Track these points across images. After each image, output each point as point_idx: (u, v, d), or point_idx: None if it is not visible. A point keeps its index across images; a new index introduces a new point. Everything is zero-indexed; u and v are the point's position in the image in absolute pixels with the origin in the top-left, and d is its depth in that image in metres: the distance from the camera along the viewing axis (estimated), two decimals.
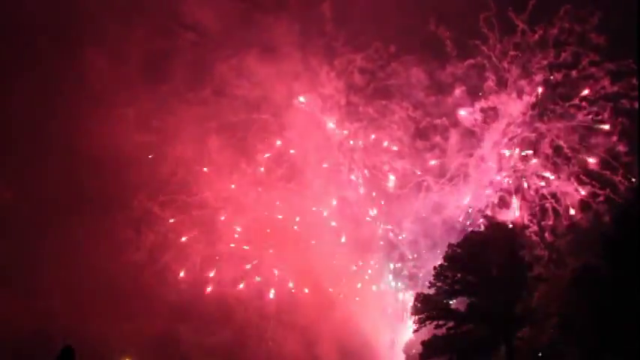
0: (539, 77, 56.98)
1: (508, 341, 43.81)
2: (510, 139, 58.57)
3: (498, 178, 59.17)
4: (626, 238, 40.76)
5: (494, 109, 58.59)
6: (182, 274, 59.34)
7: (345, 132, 62.34)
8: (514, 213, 57.07)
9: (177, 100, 59.61)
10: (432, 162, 60.18)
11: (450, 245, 47.18)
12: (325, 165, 62.36)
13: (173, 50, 59.82)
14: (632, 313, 38.20)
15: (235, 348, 56.47)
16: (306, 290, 60.42)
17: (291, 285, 60.78)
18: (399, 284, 61.32)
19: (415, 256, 60.77)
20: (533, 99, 57.45)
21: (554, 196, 56.41)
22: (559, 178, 56.45)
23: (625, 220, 42.21)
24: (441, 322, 45.13)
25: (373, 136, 61.68)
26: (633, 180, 52.71)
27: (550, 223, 55.54)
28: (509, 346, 43.73)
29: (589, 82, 55.40)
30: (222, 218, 61.17)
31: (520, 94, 57.71)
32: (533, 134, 57.85)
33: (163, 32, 59.27)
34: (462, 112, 59.15)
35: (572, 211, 55.37)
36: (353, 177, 62.64)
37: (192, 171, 60.77)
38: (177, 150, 59.66)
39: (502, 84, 58.23)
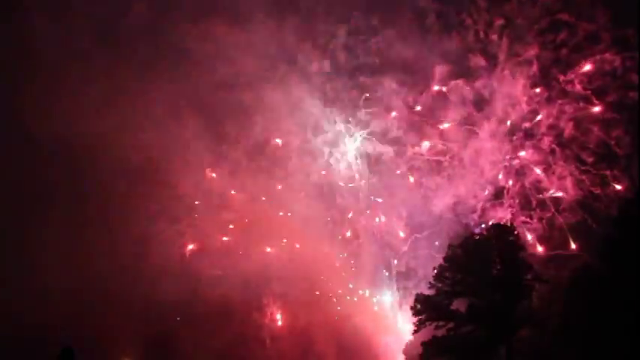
0: (532, 51, 55.49)
1: (508, 342, 43.62)
2: (505, 126, 57.51)
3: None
4: (626, 238, 40.86)
5: (486, 90, 57.20)
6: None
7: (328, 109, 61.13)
8: (508, 207, 56.67)
9: (141, 78, 57.13)
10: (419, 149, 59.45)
11: (450, 246, 47.17)
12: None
13: (133, 22, 57.06)
14: (632, 314, 38.15)
15: (234, 348, 56.07)
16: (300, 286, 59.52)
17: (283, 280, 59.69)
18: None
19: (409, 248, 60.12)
20: (527, 77, 56.07)
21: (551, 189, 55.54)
22: (556, 171, 55.49)
23: (625, 219, 42.29)
24: (441, 323, 44.96)
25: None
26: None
27: (548, 215, 55.03)
28: (509, 347, 43.54)
29: (588, 56, 53.96)
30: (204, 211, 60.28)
31: (513, 72, 56.33)
32: (531, 120, 56.68)
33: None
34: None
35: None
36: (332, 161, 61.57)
37: (167, 159, 58.72)
38: (148, 135, 57.40)
39: (493, 61, 56.76)
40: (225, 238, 60.54)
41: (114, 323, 54.09)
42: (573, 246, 51.41)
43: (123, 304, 55.52)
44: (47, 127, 53.64)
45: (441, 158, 58.70)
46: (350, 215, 61.62)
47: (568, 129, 54.72)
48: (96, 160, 56.34)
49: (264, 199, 61.04)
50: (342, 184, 61.59)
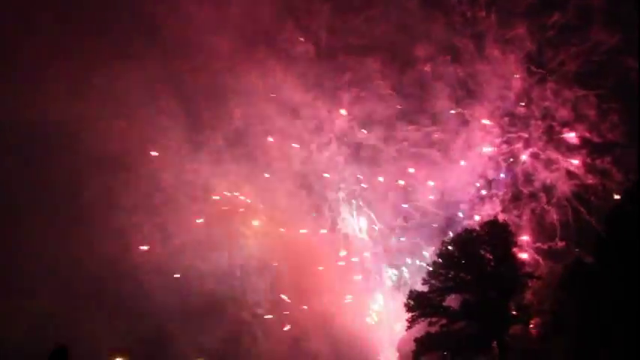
0: (522, 30, 54.45)
1: (500, 338, 43.80)
2: (495, 110, 56.60)
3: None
4: (619, 235, 40.74)
5: (475, 72, 56.22)
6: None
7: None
8: (497, 198, 56.21)
9: (112, 58, 54.39)
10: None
11: (443, 242, 47.10)
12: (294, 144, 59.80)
13: None
14: (622, 312, 38.37)
15: (228, 346, 55.95)
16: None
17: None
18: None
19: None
20: (517, 59, 55.03)
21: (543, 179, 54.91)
22: (548, 160, 54.90)
23: (618, 216, 42.08)
24: (434, 320, 45.06)
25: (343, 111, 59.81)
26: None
27: (540, 208, 54.55)
28: (501, 343, 43.74)
29: (581, 36, 52.77)
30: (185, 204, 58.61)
31: (504, 51, 55.25)
32: (521, 104, 55.75)
33: None
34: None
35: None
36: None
37: (145, 149, 56.89)
38: (123, 122, 55.21)
39: (481, 41, 55.78)
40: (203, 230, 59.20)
41: (103, 321, 53.19)
42: (564, 241, 51.24)
43: (109, 300, 54.67)
44: (11, 113, 50.93)
45: (427, 150, 57.81)
46: (334, 203, 61.16)
47: (561, 114, 53.90)
48: (68, 149, 53.94)
49: (240, 195, 59.77)
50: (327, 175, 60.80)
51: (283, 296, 58.14)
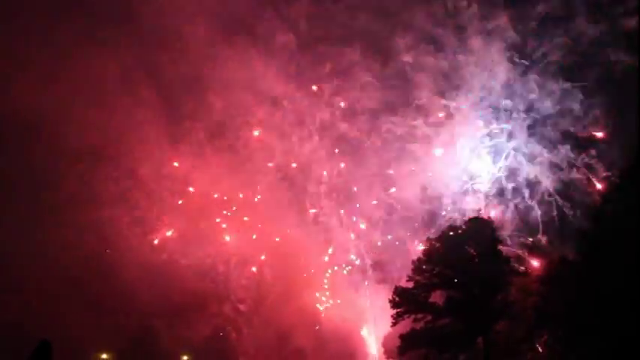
0: (503, 20, 53.80)
1: (485, 334, 43.93)
2: (477, 103, 56.06)
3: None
4: (602, 233, 40.83)
5: (457, 64, 55.54)
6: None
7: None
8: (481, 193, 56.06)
9: (86, 42, 53.03)
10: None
11: (428, 239, 47.07)
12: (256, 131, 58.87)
13: None
14: (606, 308, 38.60)
15: (213, 342, 55.50)
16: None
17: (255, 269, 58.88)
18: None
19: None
20: (499, 49, 54.31)
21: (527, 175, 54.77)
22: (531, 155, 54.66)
23: (602, 214, 42.18)
24: (419, 316, 44.97)
25: (314, 87, 59.03)
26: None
27: (524, 204, 54.43)
28: (486, 340, 43.89)
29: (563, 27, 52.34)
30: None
31: (486, 42, 54.72)
32: (504, 96, 55.18)
33: None
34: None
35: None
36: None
37: (122, 141, 55.85)
38: (98, 113, 54.12)
39: (463, 33, 54.98)
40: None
41: (87, 318, 52.46)
42: (547, 237, 51.32)
43: (92, 296, 53.85)
44: None
45: (411, 144, 57.02)
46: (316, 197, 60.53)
47: (544, 108, 53.62)
48: (43, 142, 53.16)
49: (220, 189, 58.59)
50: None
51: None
